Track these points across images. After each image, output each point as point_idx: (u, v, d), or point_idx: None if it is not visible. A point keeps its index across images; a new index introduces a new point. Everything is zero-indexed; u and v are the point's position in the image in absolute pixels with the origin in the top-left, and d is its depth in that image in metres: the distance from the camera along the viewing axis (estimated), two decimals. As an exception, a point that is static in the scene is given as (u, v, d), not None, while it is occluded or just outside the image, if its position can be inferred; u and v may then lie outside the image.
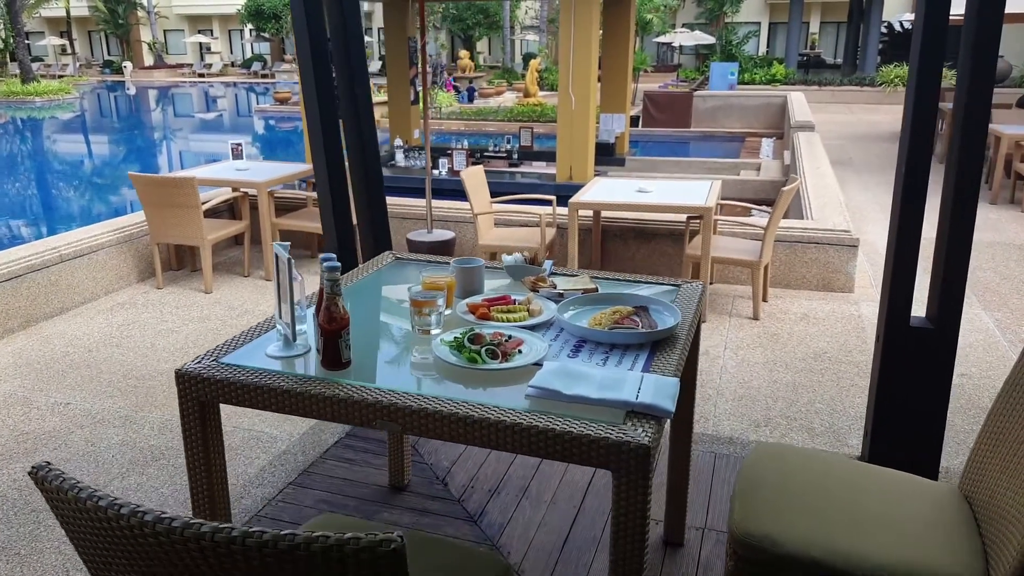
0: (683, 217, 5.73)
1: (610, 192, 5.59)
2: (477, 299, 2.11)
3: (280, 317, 1.85)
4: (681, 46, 29.72)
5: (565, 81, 9.67)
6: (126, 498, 2.83)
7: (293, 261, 1.79)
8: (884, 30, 27.65)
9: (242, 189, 6.37)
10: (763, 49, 34.05)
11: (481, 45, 39.25)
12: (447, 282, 2.04)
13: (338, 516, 1.78)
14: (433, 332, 1.93)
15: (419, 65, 11.83)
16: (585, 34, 9.39)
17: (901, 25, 28.21)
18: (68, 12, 38.10)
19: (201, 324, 5.14)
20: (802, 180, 7.69)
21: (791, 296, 5.58)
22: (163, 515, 0.96)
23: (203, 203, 5.79)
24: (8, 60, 36.44)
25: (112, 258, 5.74)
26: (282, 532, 0.93)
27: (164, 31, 43.86)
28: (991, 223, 7.76)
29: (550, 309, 2.07)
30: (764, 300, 5.45)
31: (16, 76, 31.20)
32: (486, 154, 12.20)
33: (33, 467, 1.07)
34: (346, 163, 3.60)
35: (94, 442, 3.60)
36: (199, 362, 1.79)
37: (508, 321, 1.99)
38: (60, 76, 36.51)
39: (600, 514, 2.76)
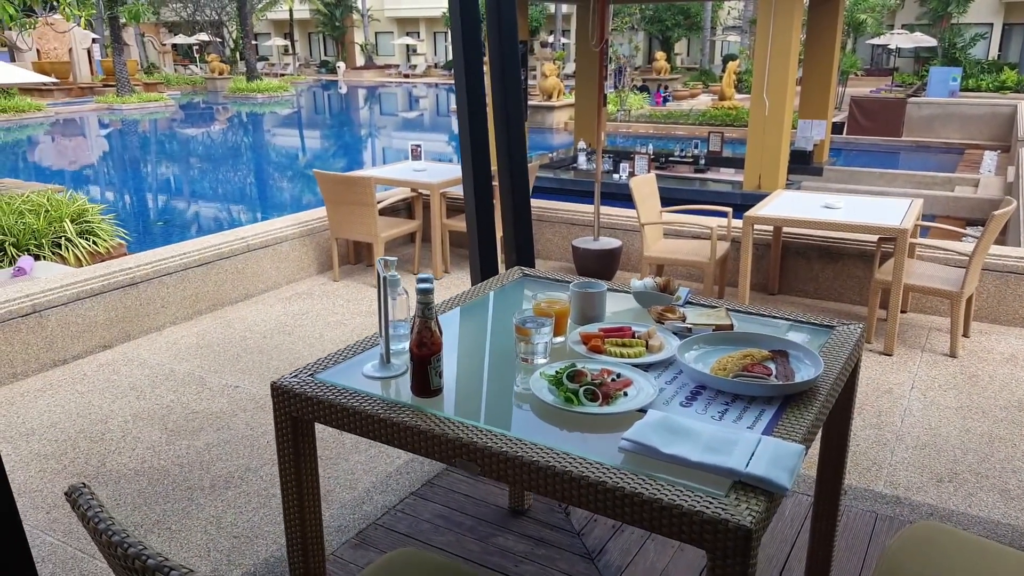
0: (874, 237, 5.22)
1: (793, 206, 5.19)
2: (593, 328, 1.95)
3: (381, 335, 1.78)
4: (898, 48, 27.54)
5: (759, 84, 9.21)
6: (273, 485, 2.92)
7: (396, 278, 1.72)
8: None
9: (418, 189, 6.53)
10: (994, 53, 30.88)
11: (679, 47, 38.42)
12: (557, 309, 1.89)
13: (420, 553, 1.68)
14: (538, 362, 1.79)
15: (617, 65, 11.74)
16: (784, 35, 8.87)
17: None
18: (291, 15, 41.31)
19: (367, 318, 5.30)
20: (1022, 201, 6.82)
21: (999, 333, 4.94)
22: (164, 563, 0.90)
23: (379, 202, 5.97)
24: (237, 59, 40.06)
25: (294, 250, 6.05)
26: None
27: (375, 33, 46.52)
28: None
29: (672, 346, 1.86)
30: (965, 335, 4.86)
31: (243, 74, 34.18)
32: (671, 159, 11.88)
33: (71, 487, 1.05)
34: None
35: (253, 426, 3.77)
36: (295, 376, 1.76)
37: (621, 356, 1.81)
38: (281, 75, 39.67)
39: (732, 568, 2.50)
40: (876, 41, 26.27)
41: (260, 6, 36.20)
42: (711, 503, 1.29)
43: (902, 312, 5.25)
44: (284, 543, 2.83)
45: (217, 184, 14.72)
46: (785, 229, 5.60)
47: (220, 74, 36.23)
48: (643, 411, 1.58)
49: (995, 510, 3.07)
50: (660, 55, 30.37)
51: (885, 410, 3.91)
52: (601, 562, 2.51)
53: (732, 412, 1.61)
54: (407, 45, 44.80)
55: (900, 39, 24.24)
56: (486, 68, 3.41)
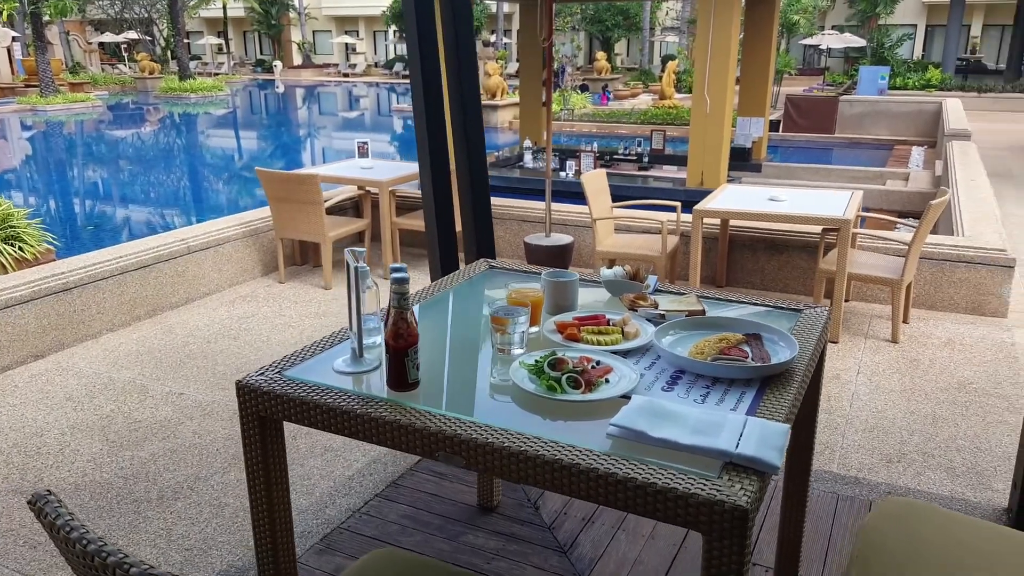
0: (818, 228, 5.34)
1: (739, 200, 5.28)
2: (567, 317, 1.92)
3: (351, 329, 1.72)
4: (829, 49, 28.31)
5: (700, 83, 9.31)
6: (224, 494, 2.82)
7: (366, 269, 1.66)
8: (1057, 32, 25.42)
9: (366, 187, 6.42)
10: (918, 53, 32.03)
11: (619, 47, 38.80)
12: (532, 298, 1.85)
13: (398, 552, 1.63)
14: (514, 352, 1.75)
15: (559, 65, 11.81)
16: (724, 34, 9.00)
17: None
18: (225, 13, 40.37)
19: (317, 320, 5.19)
20: (954, 192, 7.05)
21: (936, 319, 5.10)
22: (150, 570, 0.83)
23: (326, 200, 5.85)
24: (169, 58, 38.99)
25: (237, 251, 5.89)
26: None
27: (313, 32, 45.80)
28: None
29: (648, 332, 1.85)
30: (905, 322, 5.01)
31: (175, 73, 33.28)
32: (615, 157, 11.97)
33: (33, 496, 0.97)
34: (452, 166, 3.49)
35: (201, 434, 3.64)
36: (261, 374, 1.68)
37: (599, 344, 1.78)
38: (215, 74, 38.71)
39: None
40: (808, 41, 26.97)
41: (192, 3, 35.30)
42: (705, 485, 1.27)
43: (846, 301, 5.38)
44: (241, 553, 2.74)
45: (149, 187, 14.28)
46: (732, 223, 5.68)
47: (151, 73, 35.18)
48: (626, 397, 1.56)
49: (943, 487, 3.17)
50: (601, 55, 30.60)
51: (834, 395, 4.00)
52: (574, 555, 2.49)
53: (714, 395, 1.60)
54: (346, 44, 44.22)
55: (831, 39, 24.92)
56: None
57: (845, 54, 30.54)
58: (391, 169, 6.49)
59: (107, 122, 24.26)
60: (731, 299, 2.16)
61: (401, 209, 6.51)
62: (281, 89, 35.68)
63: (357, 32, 45.41)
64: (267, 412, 1.63)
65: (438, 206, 2.96)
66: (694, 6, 30.34)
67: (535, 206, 6.45)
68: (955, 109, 14.31)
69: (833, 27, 29.83)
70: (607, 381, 1.62)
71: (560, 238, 6.01)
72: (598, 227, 5.37)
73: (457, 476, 2.98)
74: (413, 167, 6.72)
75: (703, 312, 1.95)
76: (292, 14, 44.41)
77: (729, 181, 10.01)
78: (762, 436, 1.37)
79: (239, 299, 5.59)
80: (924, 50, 32.49)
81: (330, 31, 45.90)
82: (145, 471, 3.33)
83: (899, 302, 4.70)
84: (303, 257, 6.41)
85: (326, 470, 3.26)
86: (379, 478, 3.02)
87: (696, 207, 5.08)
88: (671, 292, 2.15)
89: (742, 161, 11.30)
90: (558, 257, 5.87)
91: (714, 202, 5.24)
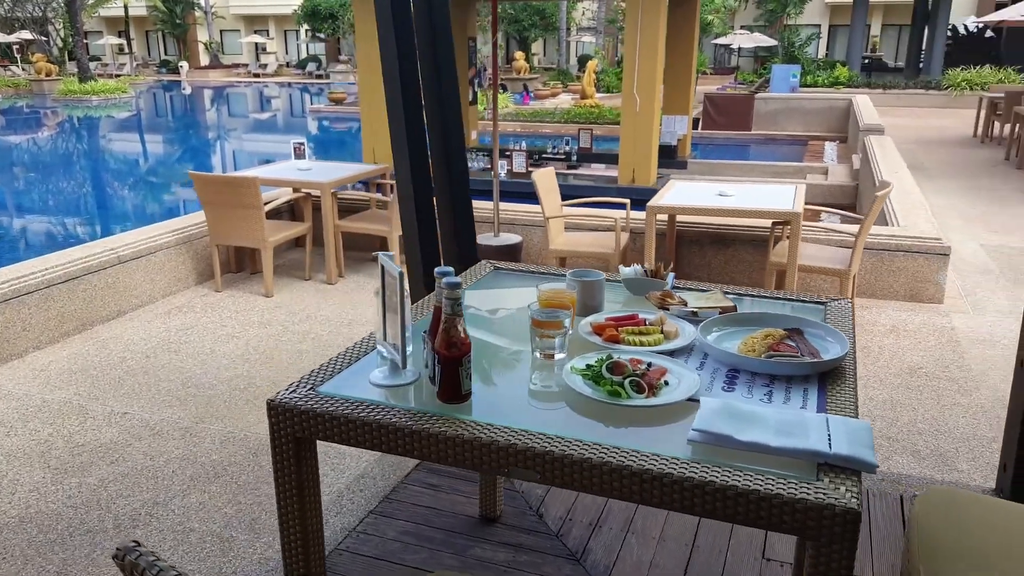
0: (765, 222, 5.43)
1: (689, 196, 5.31)
2: (600, 318, 1.83)
3: (385, 339, 1.59)
4: (740, 48, 29.12)
5: (630, 82, 9.37)
6: (188, 519, 2.63)
7: (405, 274, 1.53)
8: (949, 33, 26.80)
9: (304, 190, 6.20)
10: (822, 52, 33.28)
11: (536, 47, 38.97)
12: (569, 298, 1.76)
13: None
14: (557, 357, 1.66)
15: (481, 65, 11.74)
16: (651, 35, 9.08)
17: (966, 28, 27.41)
18: (127, 12, 38.67)
19: (262, 329, 4.96)
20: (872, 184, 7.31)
21: (878, 307, 5.25)
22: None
23: (264, 204, 5.61)
24: (67, 59, 37.11)
25: (170, 259, 5.59)
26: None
27: (220, 31, 44.37)
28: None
29: (686, 331, 1.77)
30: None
31: (74, 75, 31.69)
32: (544, 156, 11.96)
33: (119, 548, 0.82)
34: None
35: (153, 456, 3.41)
36: (293, 391, 1.53)
37: (643, 345, 1.70)
38: (117, 75, 37.01)
39: (717, 554, 2.46)
40: (721, 41, 27.67)
41: (91, 2, 33.69)
42: (809, 488, 1.21)
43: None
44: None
45: (50, 196, 13.51)
46: (679, 218, 5.71)
47: (47, 75, 33.34)
48: (694, 400, 1.48)
49: (912, 469, 3.24)
50: (519, 55, 30.60)
51: (796, 387, 4.04)
52: (588, 562, 2.40)
53: (777, 393, 1.53)
54: (256, 44, 43.03)
55: (742, 39, 25.63)
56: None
57: (755, 53, 31.47)
58: (331, 170, 6.27)
59: (1, 127, 22.93)
60: (751, 294, 2.12)
61: (343, 211, 6.30)
62: (188, 90, 34.46)
63: (267, 31, 44.23)
64: (304, 432, 1.48)
65: (419, 207, 2.82)
66: (610, 6, 30.79)
67: (480, 205, 6.33)
68: (866, 105, 14.88)
69: (742, 27, 30.73)
70: (667, 384, 1.53)
71: (509, 237, 5.93)
72: (551, 226, 5.31)
73: (453, 487, 2.85)
74: (354, 168, 6.52)
75: (735, 308, 1.89)
76: (198, 13, 42.91)
77: (659, 178, 10.13)
78: (850, 435, 1.31)
79: (175, 310, 5.31)
80: (828, 49, 33.79)
81: (239, 30, 44.56)
82: (96, 498, 3.08)
83: (846, 292, 4.80)
84: (239, 264, 6.14)
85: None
86: (370, 493, 2.86)
87: (649, 203, 5.09)
88: (691, 289, 2.09)
89: (668, 159, 11.44)
90: (509, 256, 5.78)
91: (666, 198, 5.25)
